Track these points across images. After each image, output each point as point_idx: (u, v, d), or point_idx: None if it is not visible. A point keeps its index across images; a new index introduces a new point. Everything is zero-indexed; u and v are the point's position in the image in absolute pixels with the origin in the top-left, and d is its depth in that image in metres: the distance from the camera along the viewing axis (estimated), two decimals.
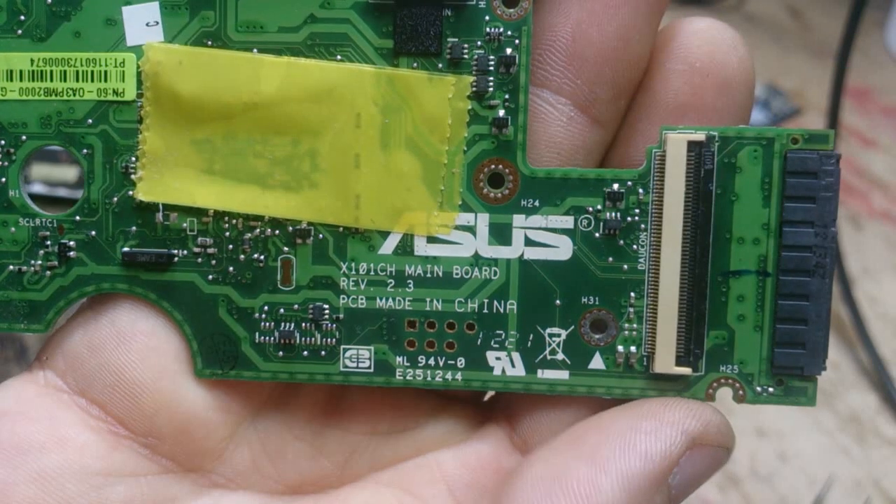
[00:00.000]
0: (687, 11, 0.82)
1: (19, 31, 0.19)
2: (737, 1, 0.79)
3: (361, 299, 0.19)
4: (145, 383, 0.19)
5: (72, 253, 0.20)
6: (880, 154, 0.64)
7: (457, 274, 0.19)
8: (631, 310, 0.19)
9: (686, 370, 0.19)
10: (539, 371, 0.19)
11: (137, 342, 0.19)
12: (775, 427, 0.44)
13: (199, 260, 0.20)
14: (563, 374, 0.19)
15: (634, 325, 0.19)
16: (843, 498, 0.41)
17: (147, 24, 0.19)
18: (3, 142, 0.20)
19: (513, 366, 0.19)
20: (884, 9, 0.77)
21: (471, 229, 0.19)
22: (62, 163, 0.42)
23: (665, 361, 0.19)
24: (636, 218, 0.19)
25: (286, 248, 0.19)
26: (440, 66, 0.19)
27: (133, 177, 0.19)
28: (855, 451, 0.43)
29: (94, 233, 0.20)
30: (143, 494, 0.19)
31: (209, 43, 0.19)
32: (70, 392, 0.19)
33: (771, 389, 0.19)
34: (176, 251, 0.20)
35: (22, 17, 0.19)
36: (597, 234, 0.19)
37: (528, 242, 0.19)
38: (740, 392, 0.19)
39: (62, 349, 0.20)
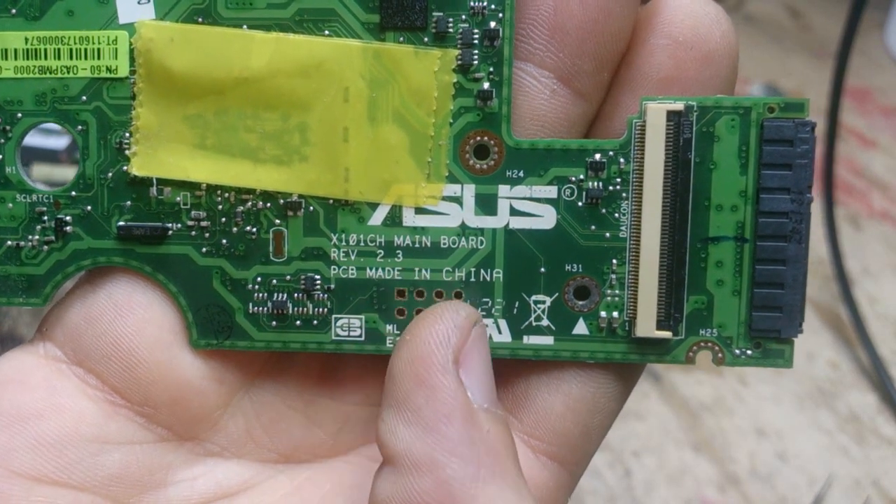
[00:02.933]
0: None
1: (13, 11, 0.20)
2: (737, 1, 0.79)
3: (352, 270, 0.20)
4: (141, 354, 0.20)
5: (68, 228, 0.20)
6: (880, 154, 0.64)
7: (444, 244, 0.20)
8: (613, 276, 0.20)
9: (666, 334, 0.19)
10: (525, 337, 0.20)
11: (134, 314, 0.20)
12: (775, 427, 0.45)
13: (193, 233, 0.20)
14: (548, 340, 0.20)
15: (616, 292, 0.20)
16: (842, 497, 0.41)
17: (138, 2, 0.20)
18: None
19: (499, 332, 0.20)
20: (884, 9, 0.76)
21: (457, 200, 0.20)
22: (62, 164, 0.42)
23: (646, 326, 0.19)
24: (618, 187, 0.19)
25: (278, 221, 0.20)
26: (426, 40, 0.19)
27: (127, 152, 0.20)
28: (854, 451, 0.43)
29: (89, 208, 0.20)
30: (139, 461, 0.20)
31: (200, 20, 0.19)
32: (68, 362, 0.20)
33: (749, 352, 0.20)
34: (170, 225, 0.20)
35: None
36: (580, 204, 0.19)
37: (513, 212, 0.20)
38: (719, 355, 0.20)
39: (61, 321, 0.20)
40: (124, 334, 0.20)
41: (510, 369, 0.20)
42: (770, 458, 0.43)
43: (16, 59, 0.20)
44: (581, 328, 0.20)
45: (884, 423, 0.45)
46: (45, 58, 0.20)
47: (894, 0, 0.75)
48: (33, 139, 0.37)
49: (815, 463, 0.43)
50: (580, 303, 0.20)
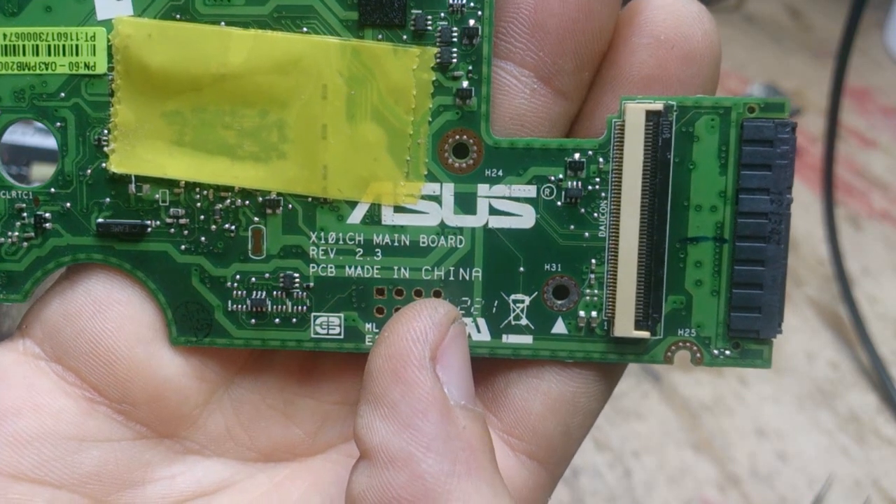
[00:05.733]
0: None
1: None
2: (737, 1, 0.79)
3: (331, 268, 0.20)
4: (120, 351, 0.20)
5: (48, 224, 0.20)
6: (880, 154, 0.64)
7: (423, 243, 0.20)
8: (592, 276, 0.20)
9: (644, 334, 0.19)
10: (504, 336, 0.20)
11: (113, 311, 0.20)
12: (775, 427, 0.44)
13: (172, 230, 0.20)
14: (527, 339, 0.20)
15: (595, 291, 0.20)
16: (842, 498, 0.41)
17: None
18: None
19: (478, 331, 0.20)
20: (884, 9, 0.76)
21: (436, 199, 0.20)
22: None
23: (624, 325, 0.19)
24: (597, 187, 0.19)
25: (256, 219, 0.20)
26: (404, 37, 0.19)
27: (106, 149, 0.20)
28: (854, 451, 0.43)
29: (68, 204, 0.20)
30: (118, 459, 0.20)
31: (178, 16, 0.19)
32: (47, 359, 0.20)
33: (728, 352, 0.20)
34: (149, 222, 0.20)
35: None
36: (559, 203, 0.19)
37: (493, 211, 0.20)
38: (698, 355, 0.20)
39: (40, 318, 0.20)
40: (103, 331, 0.20)
41: (489, 368, 0.20)
42: (770, 458, 0.43)
43: None
44: (560, 327, 0.20)
45: (884, 423, 0.45)
46: (24, 54, 0.20)
47: (894, 0, 0.75)
48: (33, 139, 0.37)
49: (815, 463, 0.43)
50: (559, 302, 0.20)
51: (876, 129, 0.66)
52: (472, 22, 0.19)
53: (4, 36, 0.20)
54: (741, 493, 0.42)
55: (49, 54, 0.20)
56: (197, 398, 0.20)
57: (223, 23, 0.19)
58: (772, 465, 0.43)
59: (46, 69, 0.20)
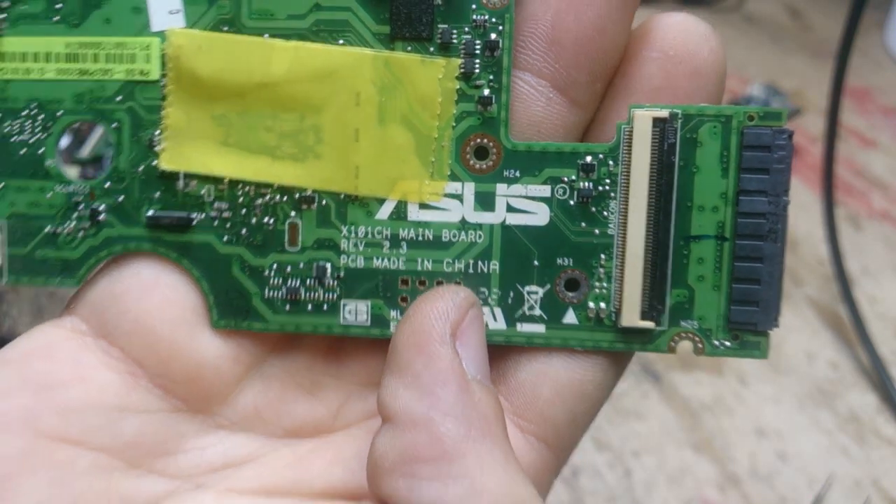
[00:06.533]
0: (687, 11, 0.86)
1: (56, 18, 0.22)
2: (737, 1, 0.80)
3: (360, 259, 0.22)
4: (163, 331, 0.21)
5: (101, 216, 0.22)
6: (880, 154, 0.63)
7: (445, 237, 0.21)
8: (601, 270, 0.21)
9: (650, 324, 0.21)
10: (518, 325, 0.21)
11: (158, 294, 0.22)
12: (775, 427, 0.45)
13: (216, 223, 0.22)
14: (540, 328, 0.21)
15: (604, 284, 0.21)
16: (842, 498, 0.41)
17: (170, 12, 0.21)
18: (42, 116, 0.22)
19: (494, 320, 0.21)
20: (884, 9, 0.77)
21: (458, 197, 0.21)
22: (64, 163, 0.44)
23: (631, 316, 0.21)
24: (607, 187, 0.21)
25: (293, 213, 0.22)
26: (431, 49, 0.21)
27: (156, 148, 0.22)
28: (854, 451, 0.43)
29: (121, 198, 0.22)
30: (155, 430, 0.21)
31: (225, 29, 0.21)
32: (94, 336, 0.22)
33: (728, 343, 0.21)
34: (195, 215, 0.22)
35: (58, 6, 0.22)
36: (571, 202, 0.21)
37: (510, 209, 0.21)
38: (699, 345, 0.21)
39: (89, 298, 0.22)
40: (148, 311, 0.21)
41: (503, 354, 0.22)
42: (770, 458, 0.43)
43: (57, 62, 0.22)
44: (571, 318, 0.21)
45: (884, 423, 0.45)
46: (84, 61, 0.22)
47: (894, 0, 0.75)
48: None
49: (815, 463, 0.43)
50: (570, 294, 0.21)
51: (876, 129, 0.66)
52: (493, 35, 0.21)
53: (67, 45, 0.22)
54: (741, 493, 0.42)
55: (107, 62, 0.22)
56: (231, 378, 0.22)
57: (266, 35, 0.21)
58: (772, 465, 0.43)
59: (105, 75, 0.22)
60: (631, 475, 0.41)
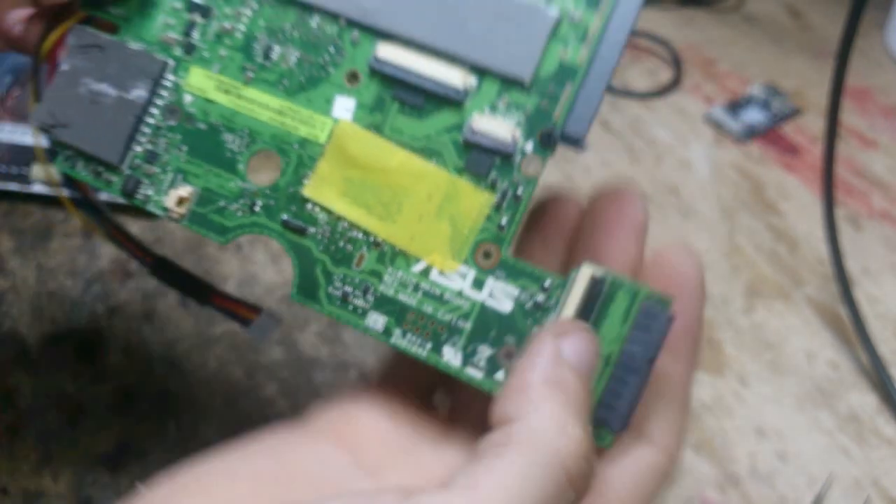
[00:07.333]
0: (687, 12, 0.77)
1: (281, 87, 0.36)
2: (737, 1, 0.79)
3: (391, 290, 0.34)
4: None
5: (256, 208, 0.35)
6: (880, 154, 0.62)
7: (446, 297, 0.33)
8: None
9: None
10: (467, 368, 0.33)
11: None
12: (775, 427, 0.44)
13: (318, 237, 0.34)
14: (480, 375, 0.33)
15: None
16: (842, 497, 0.41)
17: (346, 109, 0.35)
18: (248, 139, 0.36)
19: (454, 357, 0.33)
20: (884, 9, 0.75)
21: (463, 276, 0.33)
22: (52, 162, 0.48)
23: None
24: (551, 304, 0.33)
25: (364, 248, 0.34)
26: (483, 184, 0.34)
27: (304, 181, 0.35)
28: (854, 451, 0.43)
29: (272, 202, 0.35)
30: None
31: (372, 130, 0.35)
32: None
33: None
34: (310, 228, 0.35)
35: (286, 81, 0.36)
36: (528, 305, 0.33)
37: (490, 295, 0.33)
38: None
39: None
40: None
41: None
42: (770, 458, 0.43)
43: (270, 111, 0.36)
44: (500, 376, 0.33)
45: (884, 423, 0.45)
46: (285, 116, 0.36)
47: (894, 0, 0.73)
48: (33, 140, 0.43)
49: (815, 463, 0.42)
50: (506, 361, 0.33)
51: (876, 129, 0.65)
52: (519, 191, 0.34)
53: (280, 105, 0.36)
54: (741, 493, 0.41)
55: (299, 122, 0.35)
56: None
57: (394, 143, 0.35)
58: (772, 465, 0.42)
59: (294, 130, 0.35)
60: None
